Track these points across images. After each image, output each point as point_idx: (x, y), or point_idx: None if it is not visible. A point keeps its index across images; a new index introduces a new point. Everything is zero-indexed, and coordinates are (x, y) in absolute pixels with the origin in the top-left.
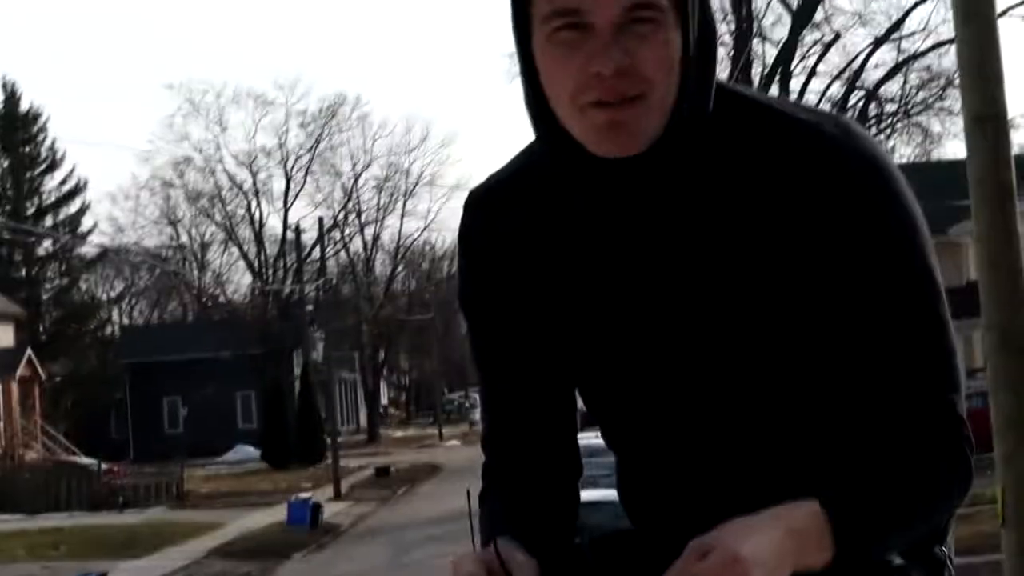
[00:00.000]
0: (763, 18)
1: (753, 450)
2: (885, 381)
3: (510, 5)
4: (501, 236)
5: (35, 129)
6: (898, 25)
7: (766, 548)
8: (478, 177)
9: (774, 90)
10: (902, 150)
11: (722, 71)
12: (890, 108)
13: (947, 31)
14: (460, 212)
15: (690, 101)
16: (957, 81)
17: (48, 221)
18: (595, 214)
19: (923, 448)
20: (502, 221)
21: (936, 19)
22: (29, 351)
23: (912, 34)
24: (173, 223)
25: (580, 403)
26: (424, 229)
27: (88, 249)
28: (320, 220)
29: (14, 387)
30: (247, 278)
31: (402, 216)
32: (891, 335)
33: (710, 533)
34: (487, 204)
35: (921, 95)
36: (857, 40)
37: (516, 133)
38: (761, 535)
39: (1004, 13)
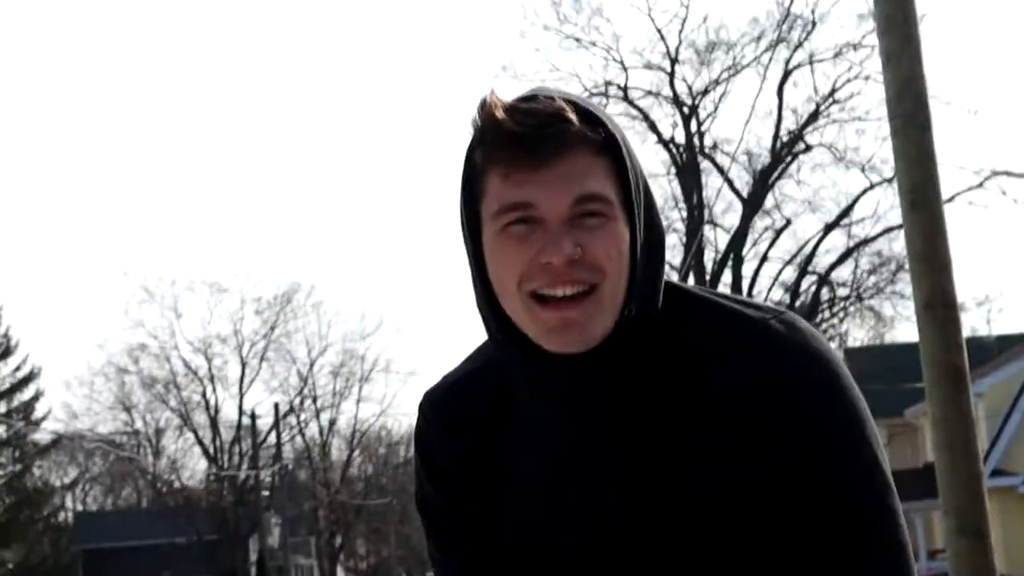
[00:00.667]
0: (714, 205)
1: None
2: None
3: (460, 206)
4: (455, 440)
5: None
6: (847, 211)
7: None
8: (433, 363)
9: (727, 275)
10: (855, 334)
11: (675, 257)
12: (842, 292)
13: (896, 217)
14: (416, 398)
15: (639, 298)
16: (907, 266)
17: (2, 407)
18: (546, 411)
19: None
20: (455, 424)
21: (884, 205)
22: None
23: (862, 220)
24: (128, 409)
25: None
26: (380, 414)
27: (42, 435)
28: (276, 406)
29: None
30: (202, 464)
31: (358, 401)
32: (841, 534)
33: None
34: (441, 407)
35: (872, 279)
36: (808, 226)
37: (469, 322)
38: None
39: (951, 199)
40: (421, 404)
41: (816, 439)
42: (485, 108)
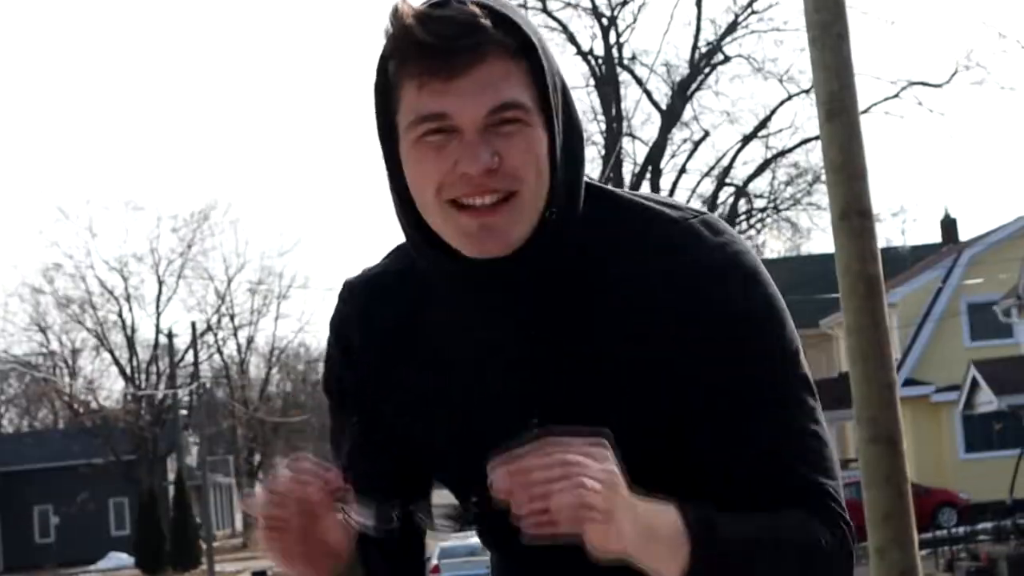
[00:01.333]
0: (633, 117)
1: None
2: (755, 474)
3: (375, 116)
4: (374, 327)
5: None
6: (765, 123)
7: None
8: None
9: (645, 187)
10: (772, 245)
11: (593, 170)
12: (760, 204)
13: (813, 128)
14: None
15: (559, 201)
16: (824, 177)
17: None
18: (465, 312)
19: (803, 521)
20: (375, 312)
21: (802, 116)
22: None
23: (780, 131)
24: (43, 330)
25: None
26: (299, 331)
27: None
28: (193, 324)
29: None
30: (119, 384)
31: (276, 319)
32: (758, 426)
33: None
34: (361, 295)
35: (789, 191)
36: (726, 138)
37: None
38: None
39: (867, 110)
40: (341, 292)
41: (733, 330)
42: (397, 17)
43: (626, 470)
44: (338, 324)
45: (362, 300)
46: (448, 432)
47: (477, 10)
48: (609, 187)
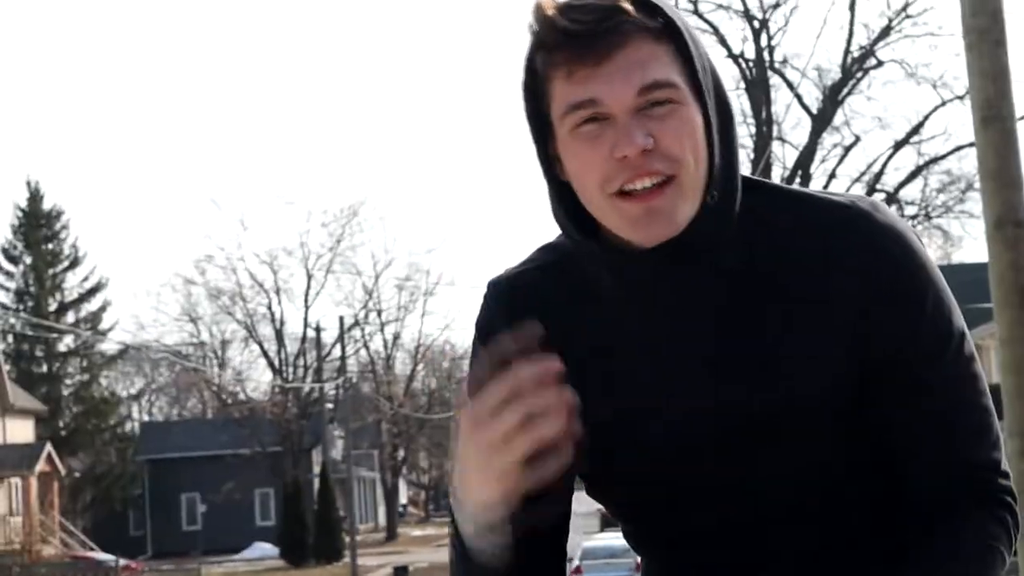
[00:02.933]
0: (783, 121)
1: (792, 552)
2: (927, 460)
3: (525, 112)
4: (528, 318)
5: (58, 227)
6: (918, 128)
7: None
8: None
9: None
10: None
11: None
12: (911, 211)
13: (967, 135)
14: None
15: (719, 183)
16: (977, 185)
17: (70, 318)
18: (631, 304)
19: (976, 535)
20: (523, 313)
21: (955, 123)
22: (48, 446)
23: (932, 138)
24: (194, 320)
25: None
26: (444, 328)
27: (109, 346)
28: (341, 319)
29: (33, 482)
30: (267, 376)
31: (422, 315)
32: (930, 410)
33: None
34: (508, 295)
35: (941, 198)
36: (877, 143)
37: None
38: None
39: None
40: (486, 293)
41: (904, 317)
42: (539, 10)
43: (793, 467)
44: (484, 324)
45: (508, 299)
46: (614, 427)
47: (628, 2)
48: (767, 180)
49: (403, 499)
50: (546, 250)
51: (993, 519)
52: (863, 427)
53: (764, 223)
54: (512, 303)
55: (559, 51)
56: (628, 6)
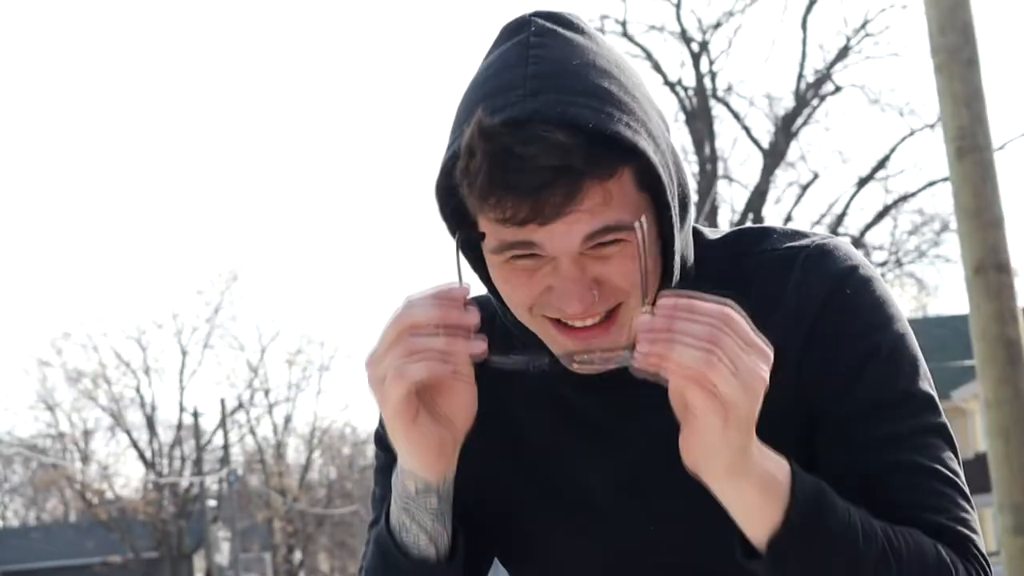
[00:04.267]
0: (730, 157)
1: None
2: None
3: (438, 206)
4: None
5: None
6: (884, 162)
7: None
8: None
9: None
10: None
11: None
12: (879, 256)
13: (940, 169)
14: None
15: (671, 284)
16: (953, 225)
17: None
18: (559, 382)
19: (935, 545)
20: None
21: (927, 155)
22: None
23: (901, 172)
24: (51, 408)
25: None
26: (344, 409)
27: None
28: (222, 401)
29: None
30: (138, 470)
31: (317, 395)
32: (870, 456)
33: None
34: None
35: (914, 241)
36: (839, 180)
37: None
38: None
39: (1003, 147)
40: None
41: (852, 355)
42: (470, 147)
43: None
44: None
45: None
46: (534, 517)
47: (570, 140)
48: (712, 232)
49: None
50: (477, 304)
51: (959, 559)
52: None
53: (700, 280)
54: None
55: (491, 205)
56: (581, 158)
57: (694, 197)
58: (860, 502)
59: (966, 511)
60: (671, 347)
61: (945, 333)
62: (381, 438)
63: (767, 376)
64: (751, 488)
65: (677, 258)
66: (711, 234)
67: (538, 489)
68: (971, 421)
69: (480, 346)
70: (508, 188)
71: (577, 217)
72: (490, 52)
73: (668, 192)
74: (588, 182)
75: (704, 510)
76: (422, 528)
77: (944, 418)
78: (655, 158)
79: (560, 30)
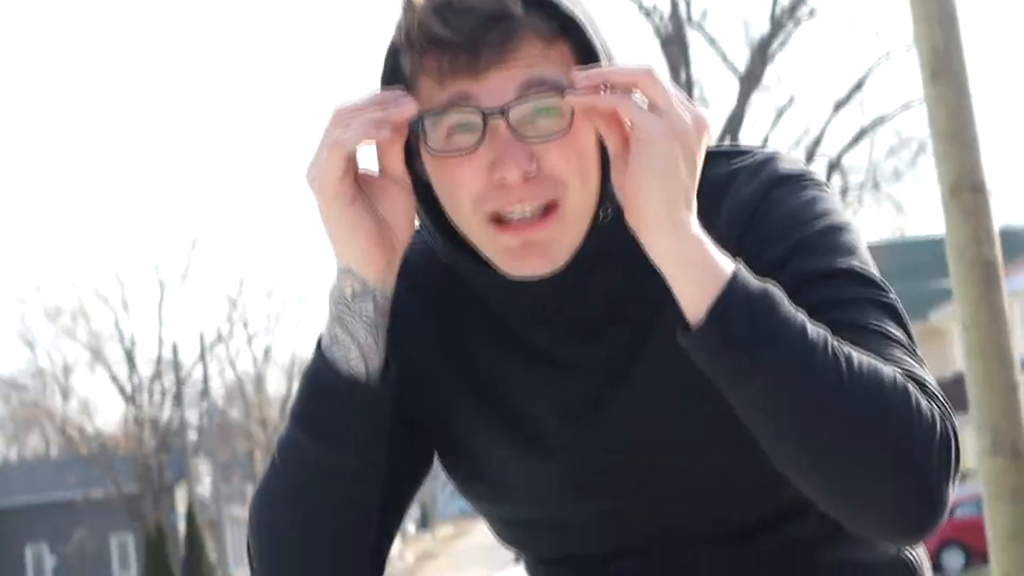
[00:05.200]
0: (706, 83)
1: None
2: None
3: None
4: (410, 312)
5: None
6: (860, 85)
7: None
8: None
9: None
10: (873, 226)
11: None
12: (856, 179)
13: (917, 90)
14: None
15: (613, 197)
16: (930, 147)
17: None
18: (506, 321)
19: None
20: (412, 291)
21: (903, 78)
22: None
23: (878, 95)
24: (30, 345)
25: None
26: None
27: None
28: (201, 335)
29: None
30: (119, 405)
31: (297, 325)
32: (821, 320)
33: None
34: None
35: (891, 163)
36: (815, 104)
37: None
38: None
39: (980, 69)
40: None
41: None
42: (409, 8)
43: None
44: None
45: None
46: (506, 448)
47: None
48: None
49: None
50: (420, 240)
51: (918, 392)
52: None
53: None
54: (405, 279)
55: (431, 58)
56: (517, 8)
57: None
58: None
59: (919, 366)
60: (607, 73)
61: (922, 255)
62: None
63: (709, 121)
64: (696, 246)
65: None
66: None
67: (489, 418)
68: (949, 342)
69: (410, 107)
70: (445, 34)
71: (514, 67)
72: None
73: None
74: (525, 32)
75: (657, 437)
76: (354, 340)
77: (894, 299)
78: (594, 39)
79: None
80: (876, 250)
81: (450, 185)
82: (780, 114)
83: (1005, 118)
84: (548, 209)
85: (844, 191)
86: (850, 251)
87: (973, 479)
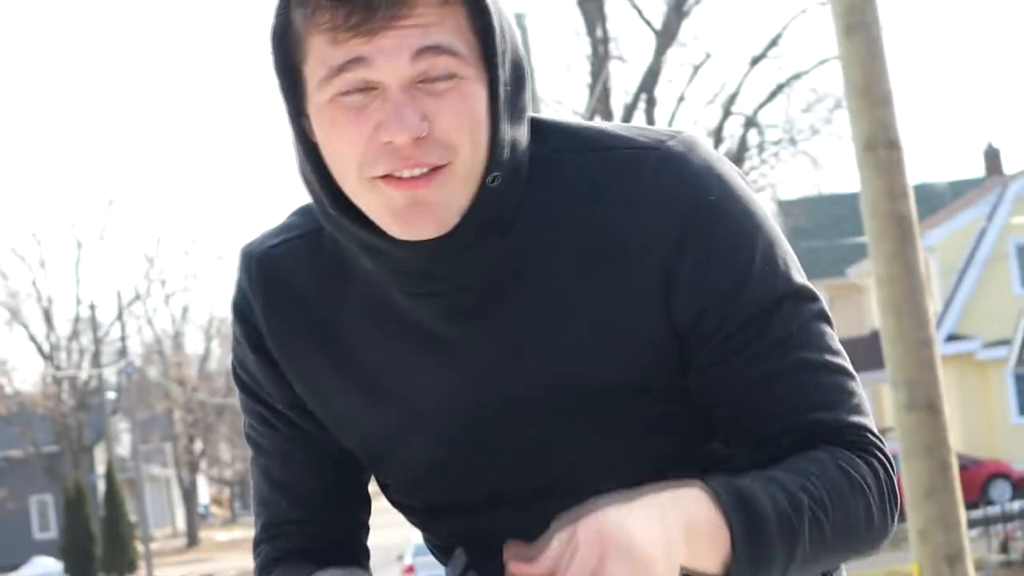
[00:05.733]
0: (622, 38)
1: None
2: (765, 419)
3: (274, 64)
4: (278, 309)
5: None
6: (776, 41)
7: (657, 535)
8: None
9: (639, 119)
10: (789, 182)
11: (579, 100)
12: (773, 135)
13: (832, 47)
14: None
15: (500, 165)
16: (845, 104)
17: None
18: (393, 290)
19: (837, 459)
20: (279, 293)
21: (819, 34)
22: None
23: (793, 50)
24: None
25: None
26: None
27: None
28: (118, 293)
29: None
30: (37, 364)
31: (214, 284)
32: (760, 363)
33: (578, 515)
34: (262, 271)
35: (807, 120)
36: (731, 60)
37: None
38: (648, 519)
39: (894, 24)
40: (239, 261)
41: (723, 263)
42: None
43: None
44: (239, 303)
45: (262, 276)
46: (388, 423)
47: None
48: (564, 120)
49: (204, 498)
50: (306, 214)
51: (861, 461)
52: (682, 396)
53: (547, 177)
54: (266, 281)
55: (322, 11)
56: None
57: (579, 75)
58: (756, 411)
59: (855, 395)
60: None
61: (839, 210)
62: (238, 375)
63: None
64: (700, 545)
65: (505, 128)
66: (559, 124)
67: (375, 399)
68: (866, 298)
69: None
70: None
71: (408, 30)
72: None
73: (498, 48)
74: None
75: (542, 422)
76: None
77: (817, 295)
78: (489, 5)
79: None
80: (793, 205)
81: (336, 145)
82: (696, 70)
83: (920, 73)
84: (437, 169)
85: (761, 147)
86: (787, 265)
87: (890, 436)
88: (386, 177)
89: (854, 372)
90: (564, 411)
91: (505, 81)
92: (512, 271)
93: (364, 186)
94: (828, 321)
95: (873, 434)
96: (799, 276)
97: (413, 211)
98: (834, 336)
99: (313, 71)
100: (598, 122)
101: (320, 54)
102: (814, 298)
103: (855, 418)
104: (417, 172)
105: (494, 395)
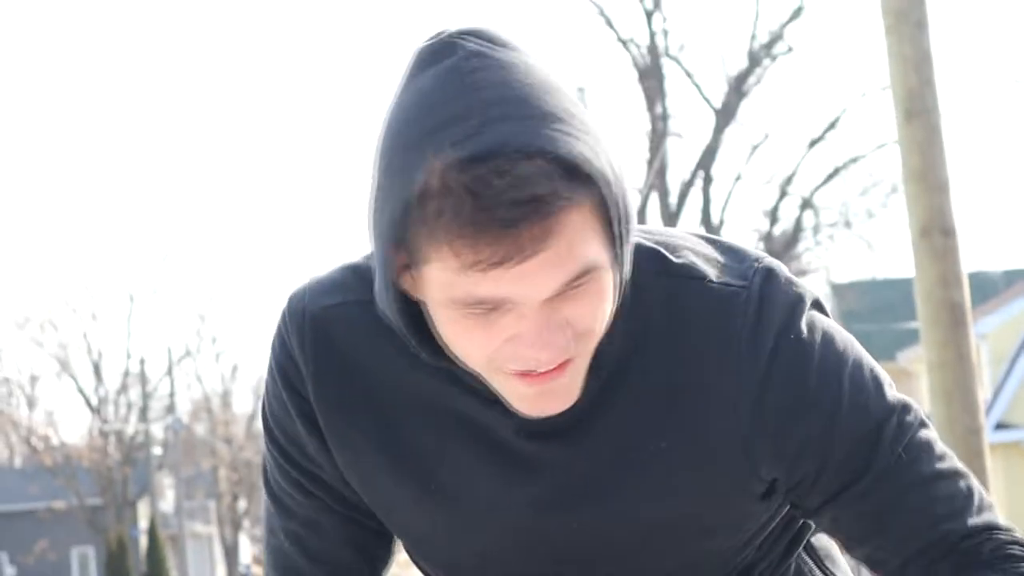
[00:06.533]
0: (681, 116)
1: None
2: (890, 547)
3: (371, 219)
4: (339, 371)
5: None
6: (835, 124)
7: None
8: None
9: (695, 197)
10: (842, 266)
11: (636, 176)
12: (828, 217)
13: (891, 132)
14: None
15: (618, 336)
16: (901, 188)
17: None
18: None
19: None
20: (333, 362)
21: (877, 118)
22: None
23: (852, 134)
24: None
25: None
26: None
27: None
28: (169, 349)
29: None
30: (84, 417)
31: (264, 344)
32: (872, 497)
33: None
34: (315, 334)
35: (863, 203)
36: (789, 141)
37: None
38: None
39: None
40: (286, 308)
41: (812, 425)
42: (439, 183)
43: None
44: (284, 363)
45: (317, 337)
46: (433, 524)
47: (548, 166)
48: (655, 246)
49: (246, 558)
50: (362, 277)
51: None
52: (763, 529)
53: (636, 301)
54: (319, 345)
55: (463, 242)
56: (561, 183)
57: (637, 151)
58: (878, 542)
59: (973, 495)
60: None
61: (892, 295)
62: (274, 437)
63: None
64: None
65: (620, 288)
66: (642, 242)
67: (424, 490)
68: (916, 383)
69: None
70: (478, 224)
71: (556, 255)
72: (409, 79)
73: (616, 219)
74: (566, 209)
75: (610, 553)
76: None
77: (910, 405)
78: (613, 187)
79: (490, 49)
80: (846, 289)
81: (461, 345)
82: (754, 149)
83: (977, 160)
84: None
85: (816, 229)
86: (878, 388)
87: None
88: (519, 373)
89: (965, 470)
90: (632, 542)
91: (624, 261)
92: (599, 399)
93: (489, 372)
94: (927, 426)
95: (1002, 529)
96: (891, 392)
97: (542, 399)
98: (936, 439)
99: (436, 284)
100: (667, 232)
101: (449, 277)
102: (908, 408)
103: (981, 519)
104: (553, 365)
105: (560, 517)
